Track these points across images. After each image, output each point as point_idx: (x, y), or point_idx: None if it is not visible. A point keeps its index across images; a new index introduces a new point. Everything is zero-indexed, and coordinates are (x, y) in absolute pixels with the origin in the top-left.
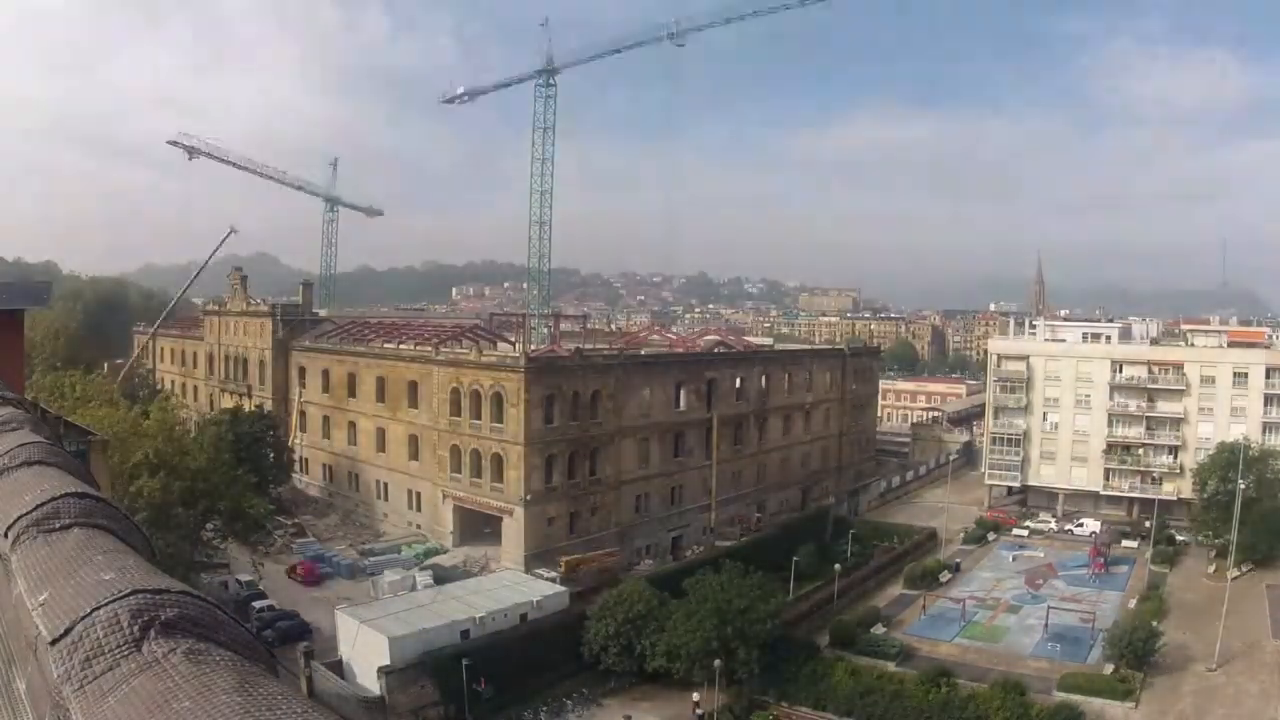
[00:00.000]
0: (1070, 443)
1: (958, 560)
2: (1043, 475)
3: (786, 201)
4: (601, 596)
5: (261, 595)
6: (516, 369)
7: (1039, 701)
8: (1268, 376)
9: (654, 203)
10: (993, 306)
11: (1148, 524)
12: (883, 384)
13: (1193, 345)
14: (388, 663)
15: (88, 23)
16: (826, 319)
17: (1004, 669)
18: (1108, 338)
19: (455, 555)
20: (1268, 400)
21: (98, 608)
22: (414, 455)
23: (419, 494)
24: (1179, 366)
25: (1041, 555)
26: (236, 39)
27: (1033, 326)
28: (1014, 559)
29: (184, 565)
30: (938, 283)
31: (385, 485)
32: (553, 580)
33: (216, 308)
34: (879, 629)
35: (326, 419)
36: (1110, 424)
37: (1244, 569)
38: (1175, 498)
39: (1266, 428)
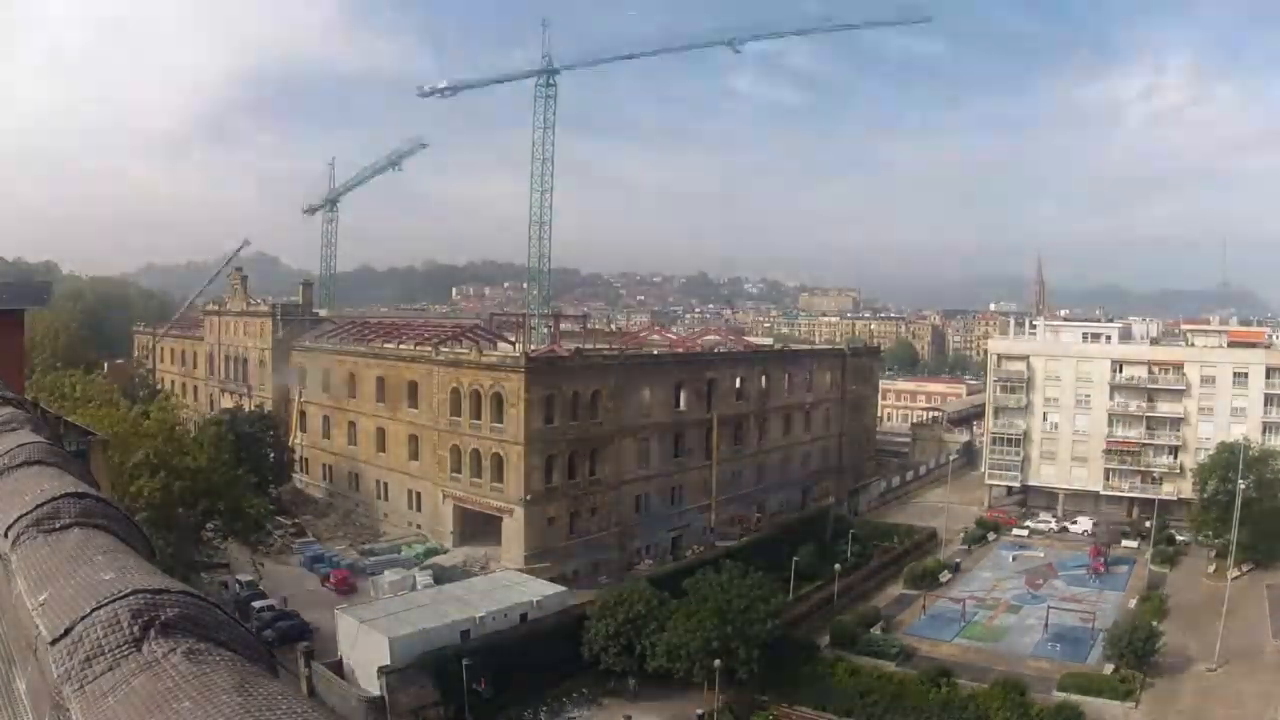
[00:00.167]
0: (1070, 443)
1: (958, 560)
2: (1043, 475)
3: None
4: (601, 596)
5: (261, 595)
6: (516, 369)
7: (1039, 701)
8: (1268, 376)
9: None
10: (993, 306)
11: (1148, 524)
12: (883, 384)
13: (1193, 345)
14: (388, 663)
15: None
16: (826, 319)
17: (1004, 669)
18: (1108, 338)
19: (455, 555)
20: (1268, 400)
21: (98, 608)
22: (414, 455)
23: (419, 494)
24: (1179, 366)
25: (1041, 555)
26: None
27: (1033, 326)
28: (1014, 559)
29: (184, 565)
30: (938, 283)
31: (385, 485)
32: None
33: (216, 308)
34: (879, 629)
35: (326, 419)
36: (1110, 424)
37: (1244, 569)
38: (1175, 498)
39: (1266, 428)
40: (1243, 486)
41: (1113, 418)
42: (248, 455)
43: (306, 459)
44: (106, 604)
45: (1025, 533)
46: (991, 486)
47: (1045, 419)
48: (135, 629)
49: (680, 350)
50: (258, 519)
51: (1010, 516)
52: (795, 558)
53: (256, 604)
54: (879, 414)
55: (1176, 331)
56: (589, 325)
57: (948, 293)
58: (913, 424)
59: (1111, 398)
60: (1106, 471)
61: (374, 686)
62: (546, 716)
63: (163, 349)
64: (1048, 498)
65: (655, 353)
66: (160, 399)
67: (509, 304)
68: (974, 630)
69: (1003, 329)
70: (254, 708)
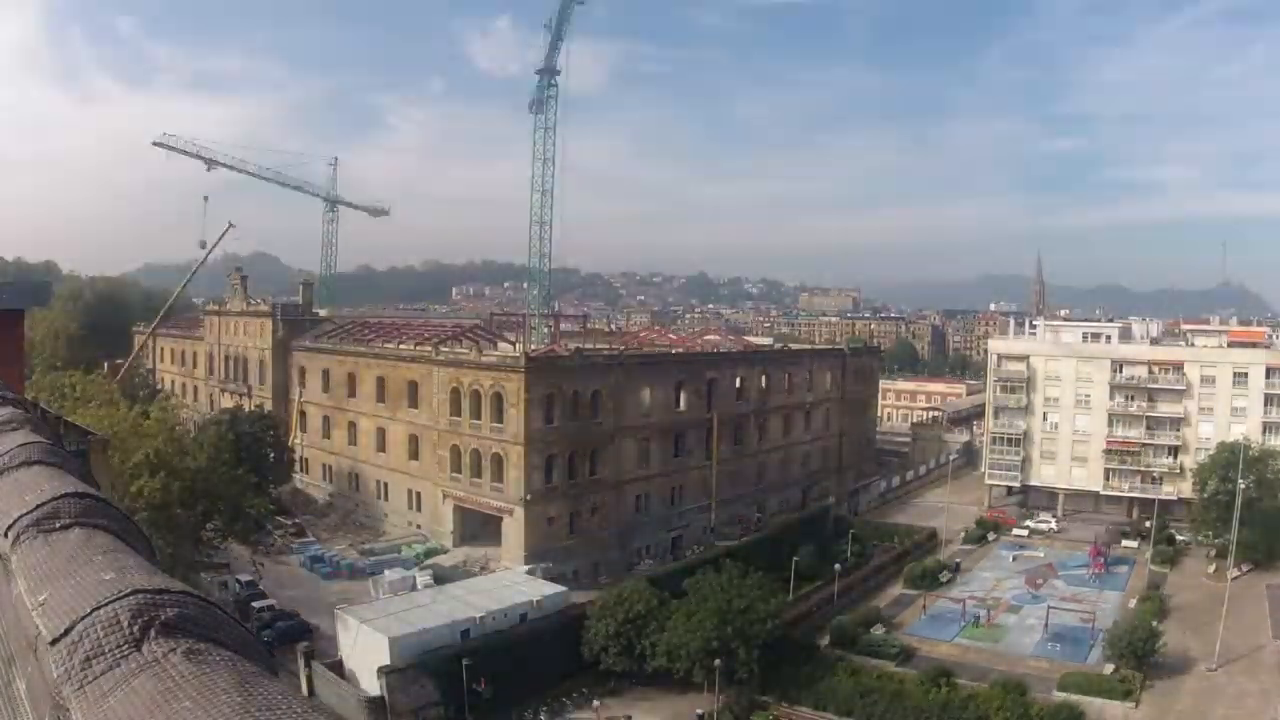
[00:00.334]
0: (1070, 443)
1: (958, 560)
2: (1043, 475)
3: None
4: (601, 596)
5: (261, 595)
6: (516, 369)
7: (1039, 701)
8: (1268, 376)
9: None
10: (993, 306)
11: (1148, 524)
12: (883, 384)
13: (1193, 345)
14: (388, 663)
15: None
16: (826, 319)
17: (1004, 669)
18: (1108, 338)
19: (455, 555)
20: (1268, 400)
21: (98, 608)
22: (414, 455)
23: (419, 494)
24: (1179, 366)
25: (1041, 555)
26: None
27: (1033, 326)
28: (1014, 559)
29: (184, 565)
30: (938, 283)
31: (385, 485)
32: None
33: (216, 308)
34: (879, 629)
35: (326, 419)
36: (1110, 424)
37: (1244, 569)
38: (1175, 498)
39: (1266, 428)
40: (1243, 486)
41: (1113, 418)
42: (248, 455)
43: (306, 459)
44: (106, 604)
45: (1025, 533)
46: (991, 486)
47: (1045, 419)
48: (135, 629)
49: (680, 350)
50: (258, 519)
51: (1010, 516)
52: (795, 558)
53: (256, 604)
54: (879, 414)
55: (1177, 331)
56: (589, 325)
57: (948, 293)
58: (913, 424)
59: (1111, 398)
60: (1106, 471)
61: (374, 686)
62: (546, 716)
63: (163, 349)
64: (1048, 498)
65: (655, 353)
66: (160, 399)
67: (509, 304)
68: (974, 630)
69: (1002, 329)
70: (254, 708)
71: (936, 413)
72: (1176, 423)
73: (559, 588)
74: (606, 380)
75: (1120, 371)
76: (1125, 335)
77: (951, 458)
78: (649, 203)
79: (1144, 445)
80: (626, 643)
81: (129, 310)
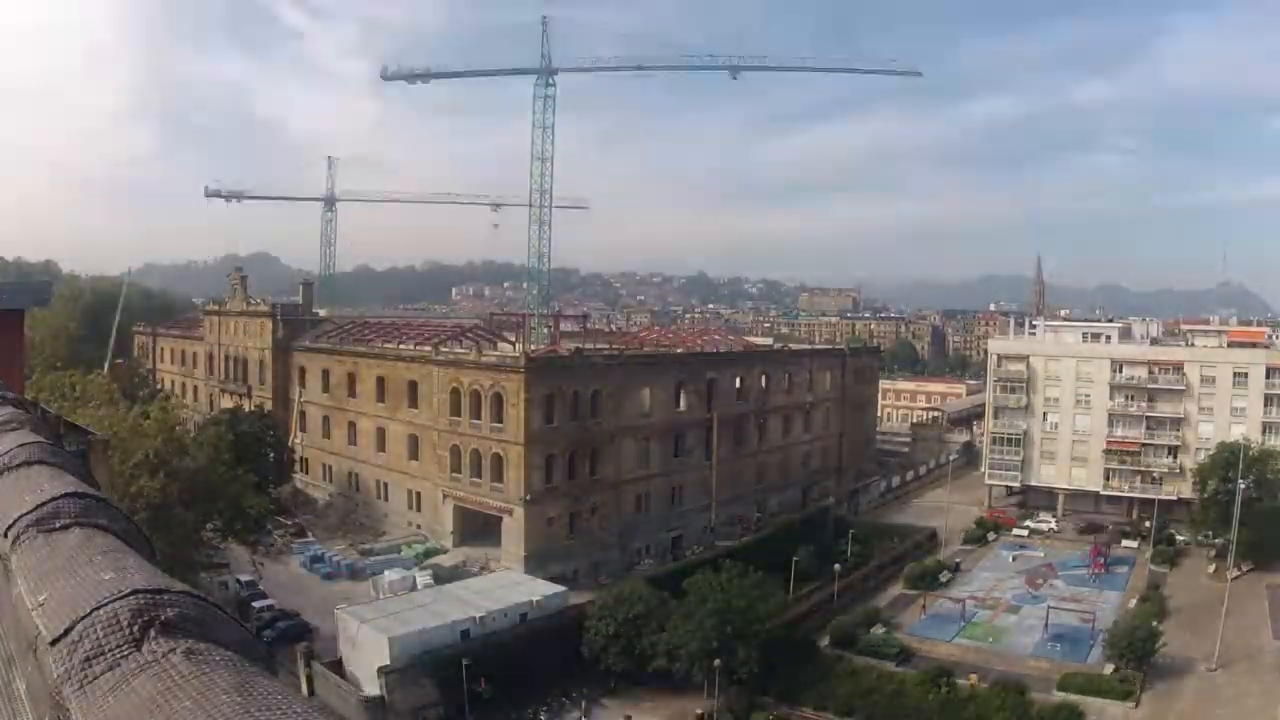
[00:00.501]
0: (1070, 443)
1: (958, 560)
2: (1043, 475)
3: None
4: (601, 596)
5: (261, 595)
6: (516, 369)
7: (1039, 701)
8: (1268, 376)
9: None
10: (993, 306)
11: (1148, 524)
12: (883, 384)
13: (1193, 345)
14: (388, 663)
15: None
16: (826, 319)
17: (1004, 669)
18: (1108, 338)
19: (455, 555)
20: (1268, 400)
21: (98, 607)
22: (414, 455)
23: (419, 494)
24: (1179, 367)
25: (1041, 555)
26: None
27: (1033, 326)
28: (1014, 559)
29: (184, 565)
30: (938, 283)
31: (385, 485)
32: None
33: (216, 308)
34: (879, 629)
35: (326, 419)
36: (1110, 424)
37: (1244, 569)
38: (1175, 498)
39: (1266, 428)
40: (1243, 486)
41: (1113, 418)
42: (248, 455)
43: (306, 459)
44: (106, 604)
45: (1025, 533)
46: (991, 486)
47: (1045, 419)
48: (135, 629)
49: (680, 350)
50: (258, 519)
51: (1010, 516)
52: (795, 558)
53: (256, 604)
54: (879, 414)
55: (1176, 331)
56: (589, 325)
57: (948, 293)
58: (913, 424)
59: (1111, 398)
60: (1106, 471)
61: (374, 686)
62: (546, 716)
63: (163, 349)
64: (1048, 498)
65: (655, 353)
66: (160, 399)
67: (509, 304)
68: (974, 630)
69: (1002, 329)
70: (254, 708)
71: (936, 413)
72: (1176, 423)
73: (559, 588)
74: (606, 380)
75: (1120, 372)
76: (1125, 335)
77: (951, 458)
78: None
79: (1144, 445)
80: (626, 643)
81: (129, 310)
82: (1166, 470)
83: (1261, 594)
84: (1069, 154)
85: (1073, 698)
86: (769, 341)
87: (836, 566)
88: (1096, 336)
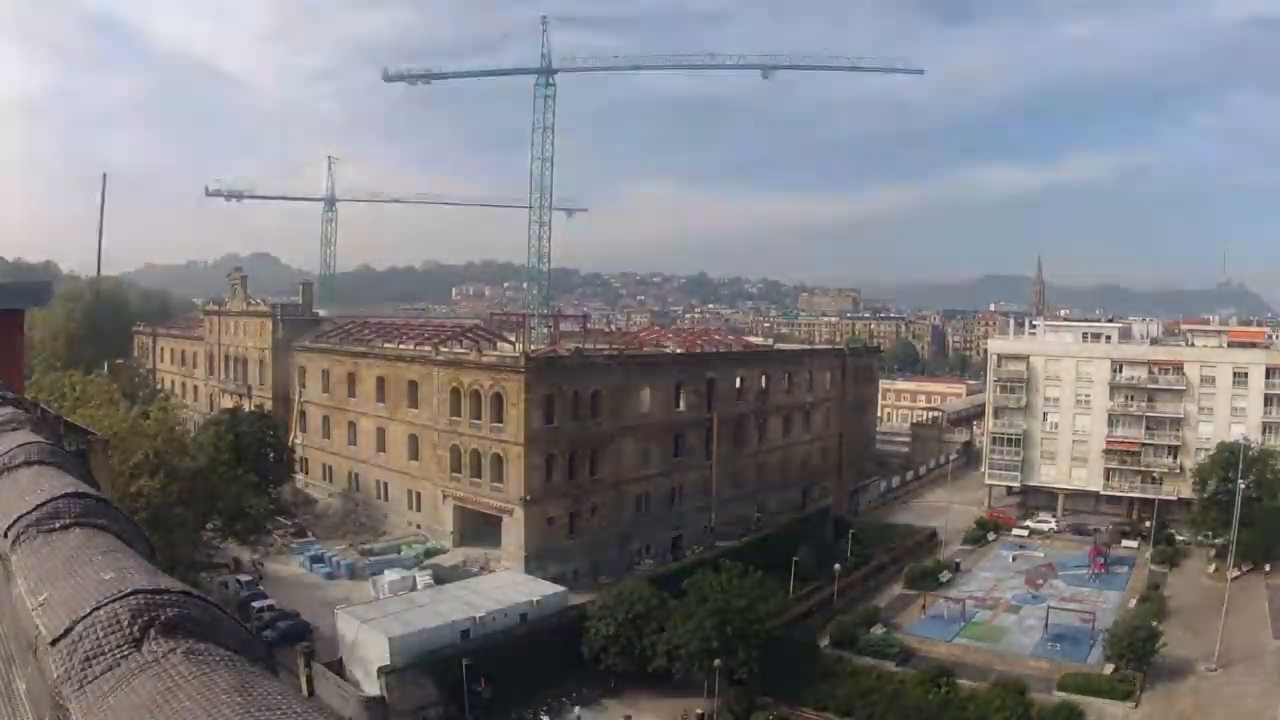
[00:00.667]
0: (1070, 443)
1: (958, 560)
2: (1043, 475)
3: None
4: (601, 596)
5: (261, 595)
6: (516, 369)
7: (1039, 701)
8: (1268, 376)
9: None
10: (993, 306)
11: (1147, 524)
12: (883, 384)
13: (1193, 345)
14: (388, 663)
15: None
16: (826, 319)
17: (1004, 669)
18: (1108, 338)
19: (455, 555)
20: (1268, 400)
21: (98, 608)
22: (414, 455)
23: (419, 494)
24: (1179, 367)
25: (1041, 555)
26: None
27: (1033, 326)
28: (1014, 559)
29: (184, 565)
30: (938, 283)
31: (385, 485)
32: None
33: (216, 308)
34: (879, 629)
35: (326, 419)
36: (1110, 424)
37: (1244, 569)
38: (1175, 498)
39: (1266, 428)
40: (1243, 486)
41: (1113, 418)
42: (248, 455)
43: (306, 459)
44: (106, 604)
45: (1025, 533)
46: (991, 486)
47: (1045, 419)
48: (135, 629)
49: (680, 350)
50: (258, 519)
51: (1010, 516)
52: (795, 558)
53: (256, 604)
54: (879, 414)
55: (1177, 331)
56: (589, 325)
57: (947, 293)
58: (913, 424)
59: (1111, 398)
60: (1106, 471)
61: (374, 686)
62: (546, 716)
63: (163, 349)
64: (1048, 498)
65: (655, 353)
66: (160, 399)
67: (509, 304)
68: (974, 630)
69: (1002, 329)
70: (254, 708)
71: (936, 413)
72: (1176, 423)
73: (559, 588)
74: (606, 380)
75: (1120, 372)
76: (1125, 335)
77: (951, 458)
78: None
79: (1144, 445)
80: (626, 643)
81: (129, 310)
82: (1166, 470)
83: (1261, 594)
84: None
85: (1073, 698)
86: (769, 341)
87: (836, 566)
88: (1096, 336)
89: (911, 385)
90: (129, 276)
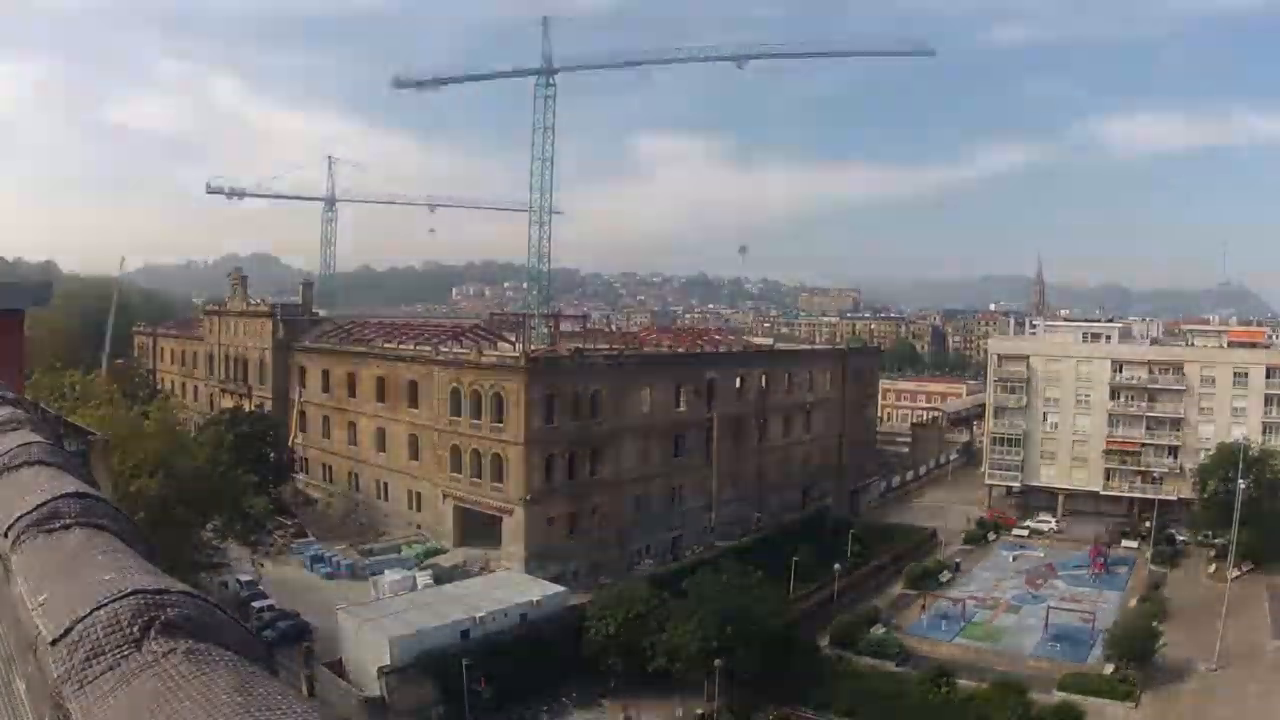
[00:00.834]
0: (1070, 443)
1: (958, 560)
2: (1043, 475)
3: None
4: (601, 596)
5: (262, 595)
6: (516, 369)
7: (1039, 701)
8: (1268, 376)
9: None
10: (993, 306)
11: (1147, 524)
12: (883, 384)
13: (1193, 345)
14: (388, 663)
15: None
16: (826, 319)
17: (1004, 669)
18: (1108, 338)
19: (455, 555)
20: (1268, 400)
21: (98, 608)
22: (414, 455)
23: (419, 494)
24: (1179, 367)
25: (1041, 555)
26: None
27: (1033, 326)
28: (1014, 559)
29: (184, 565)
30: (938, 283)
31: (385, 485)
32: None
33: (216, 308)
34: (879, 629)
35: (326, 419)
36: (1110, 424)
37: (1244, 569)
38: (1175, 498)
39: (1266, 428)
40: (1243, 486)
41: (1113, 418)
42: (248, 455)
43: (306, 459)
44: (107, 604)
45: (1025, 533)
46: (991, 486)
47: (1045, 419)
48: (135, 629)
49: (680, 350)
50: (258, 519)
51: (1010, 516)
52: (795, 558)
53: (256, 604)
54: (879, 414)
55: (1177, 331)
56: (589, 325)
57: (948, 293)
58: (913, 424)
59: (1112, 398)
60: (1106, 472)
61: (374, 686)
62: (547, 716)
63: (163, 349)
64: (1048, 498)
65: (655, 353)
66: (160, 399)
67: (509, 304)
68: (974, 630)
69: (1002, 329)
70: (254, 708)
71: (936, 413)
72: (1176, 423)
73: (559, 588)
74: (606, 380)
75: (1120, 372)
76: (1125, 335)
77: (951, 458)
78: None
79: (1144, 445)
80: (626, 643)
81: (129, 310)
82: (1166, 470)
83: (1261, 594)
84: None
85: (1073, 698)
86: (769, 341)
87: (836, 566)
88: (1097, 337)
89: (911, 385)
90: (129, 276)
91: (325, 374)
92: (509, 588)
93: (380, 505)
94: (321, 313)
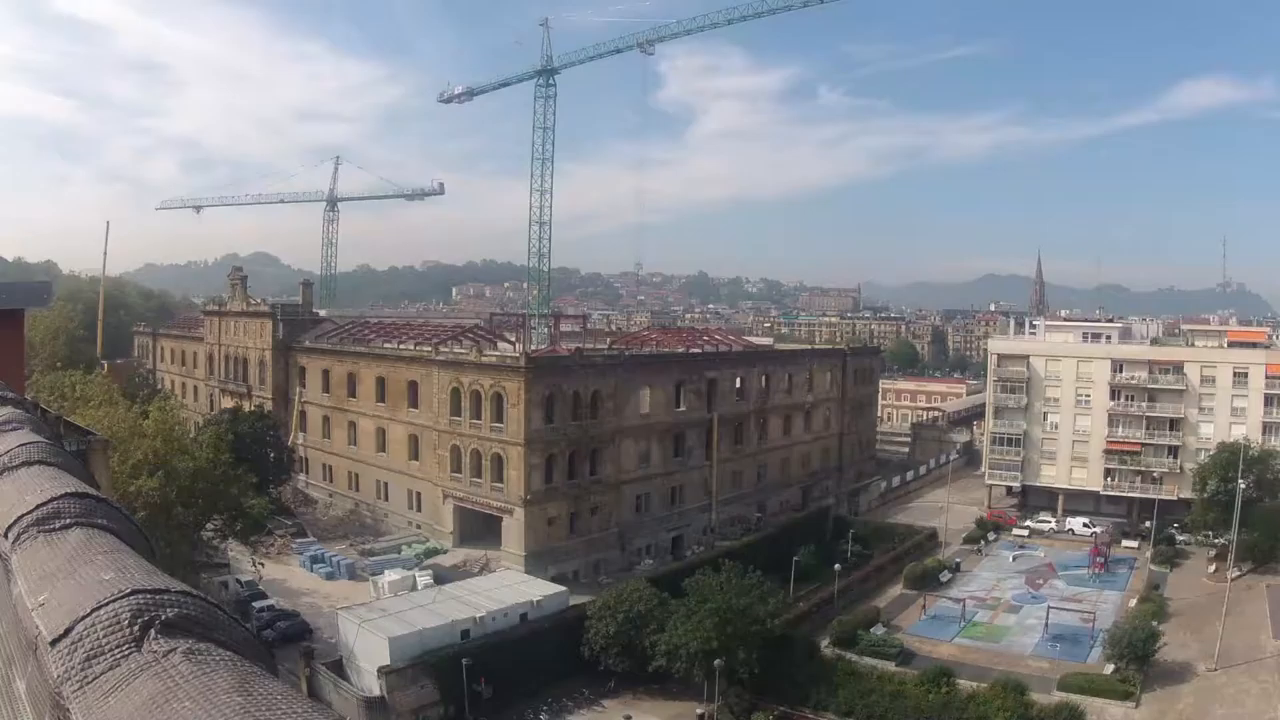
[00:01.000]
0: (1070, 443)
1: (958, 560)
2: (1043, 475)
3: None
4: (601, 596)
5: (262, 595)
6: (516, 369)
7: (1039, 701)
8: (1268, 376)
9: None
10: (993, 306)
11: (1148, 524)
12: (883, 384)
13: (1193, 345)
14: (388, 663)
15: None
16: (826, 319)
17: (1004, 669)
18: (1108, 338)
19: (455, 555)
20: (1268, 400)
21: (98, 607)
22: (414, 455)
23: (419, 494)
24: (1179, 367)
25: (1041, 555)
26: None
27: (1033, 326)
28: (1014, 559)
29: (184, 565)
30: (938, 283)
31: (385, 485)
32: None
33: (216, 308)
34: (879, 629)
35: (326, 419)
36: (1110, 424)
37: (1244, 569)
38: (1175, 498)
39: (1266, 428)
40: (1243, 486)
41: (1113, 418)
42: (248, 455)
43: (306, 459)
44: (107, 604)
45: (1025, 533)
46: (992, 486)
47: (1045, 419)
48: (135, 629)
49: (680, 350)
50: (258, 519)
51: (1010, 516)
52: (795, 558)
53: (256, 604)
54: (879, 414)
55: (1177, 331)
56: (589, 325)
57: (948, 293)
58: (913, 424)
59: (1112, 398)
60: (1107, 472)
61: (374, 686)
62: (547, 716)
63: (163, 349)
64: (1048, 498)
65: (655, 353)
66: (160, 399)
67: (509, 304)
68: (974, 630)
69: (1002, 329)
70: (254, 708)
71: (936, 413)
72: (1177, 423)
73: (559, 588)
74: (606, 380)
75: (1120, 372)
76: (1125, 335)
77: (951, 458)
78: None
79: (1144, 445)
80: (626, 643)
81: (129, 310)
82: (1167, 470)
83: (1261, 594)
84: None
85: (1073, 698)
86: (769, 341)
87: (836, 566)
88: (1097, 337)
89: (911, 385)
90: (129, 276)
91: (325, 374)
92: (509, 588)
93: (380, 505)
94: (321, 313)
